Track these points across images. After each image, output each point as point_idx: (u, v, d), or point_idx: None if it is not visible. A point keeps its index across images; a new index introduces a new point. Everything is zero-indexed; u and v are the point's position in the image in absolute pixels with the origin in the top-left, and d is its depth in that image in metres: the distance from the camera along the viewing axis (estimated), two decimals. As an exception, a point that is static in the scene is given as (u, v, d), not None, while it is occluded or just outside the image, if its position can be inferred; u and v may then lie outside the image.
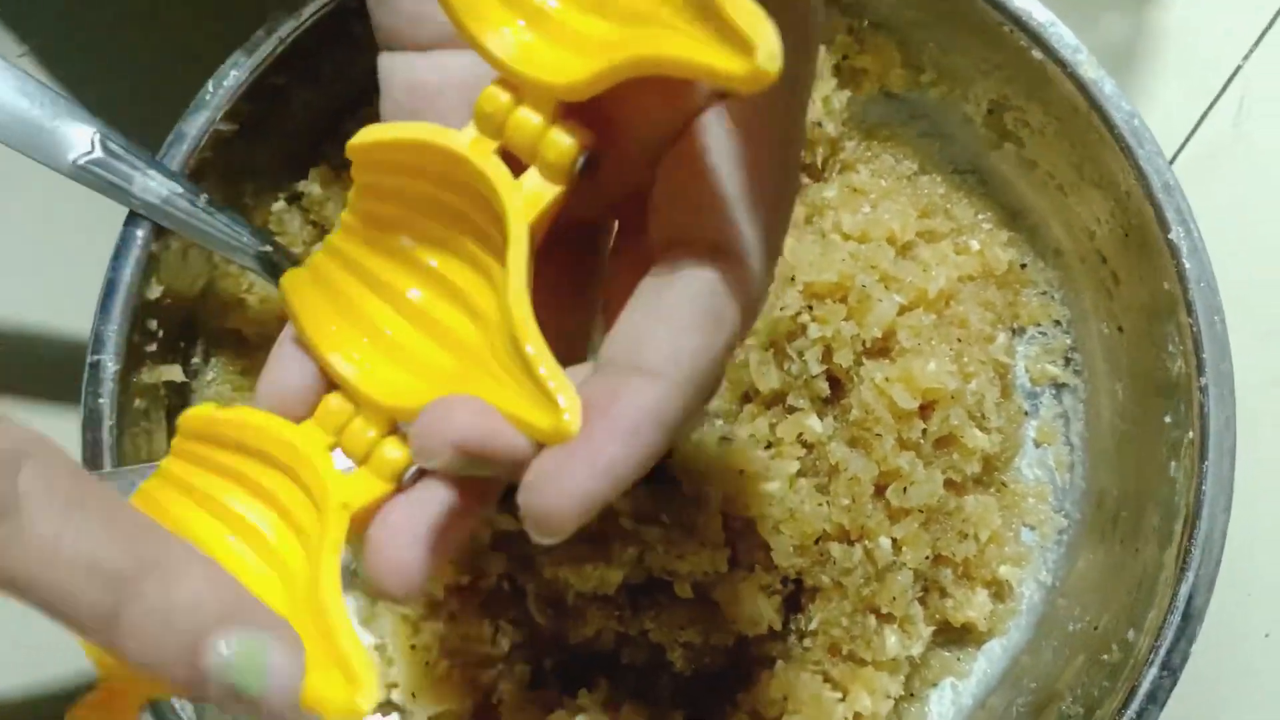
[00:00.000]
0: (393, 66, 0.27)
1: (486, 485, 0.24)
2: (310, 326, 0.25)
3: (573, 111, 0.23)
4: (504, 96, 0.23)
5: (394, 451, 0.24)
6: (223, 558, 0.23)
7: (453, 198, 0.23)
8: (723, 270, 0.22)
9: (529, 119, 0.22)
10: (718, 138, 0.22)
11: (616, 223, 0.27)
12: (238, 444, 0.24)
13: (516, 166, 0.23)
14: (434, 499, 0.23)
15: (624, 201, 0.25)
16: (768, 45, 0.19)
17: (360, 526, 0.23)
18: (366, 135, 0.24)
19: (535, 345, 0.21)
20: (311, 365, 0.25)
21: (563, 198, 0.23)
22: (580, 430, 0.20)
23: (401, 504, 0.23)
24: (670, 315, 0.22)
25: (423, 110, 0.26)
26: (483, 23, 0.22)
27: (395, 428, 0.25)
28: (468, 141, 0.23)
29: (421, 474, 0.24)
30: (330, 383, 0.25)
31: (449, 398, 0.22)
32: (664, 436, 0.21)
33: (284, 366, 0.25)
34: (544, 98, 0.22)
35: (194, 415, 0.25)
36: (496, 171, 0.22)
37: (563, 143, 0.22)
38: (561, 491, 0.20)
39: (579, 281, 0.26)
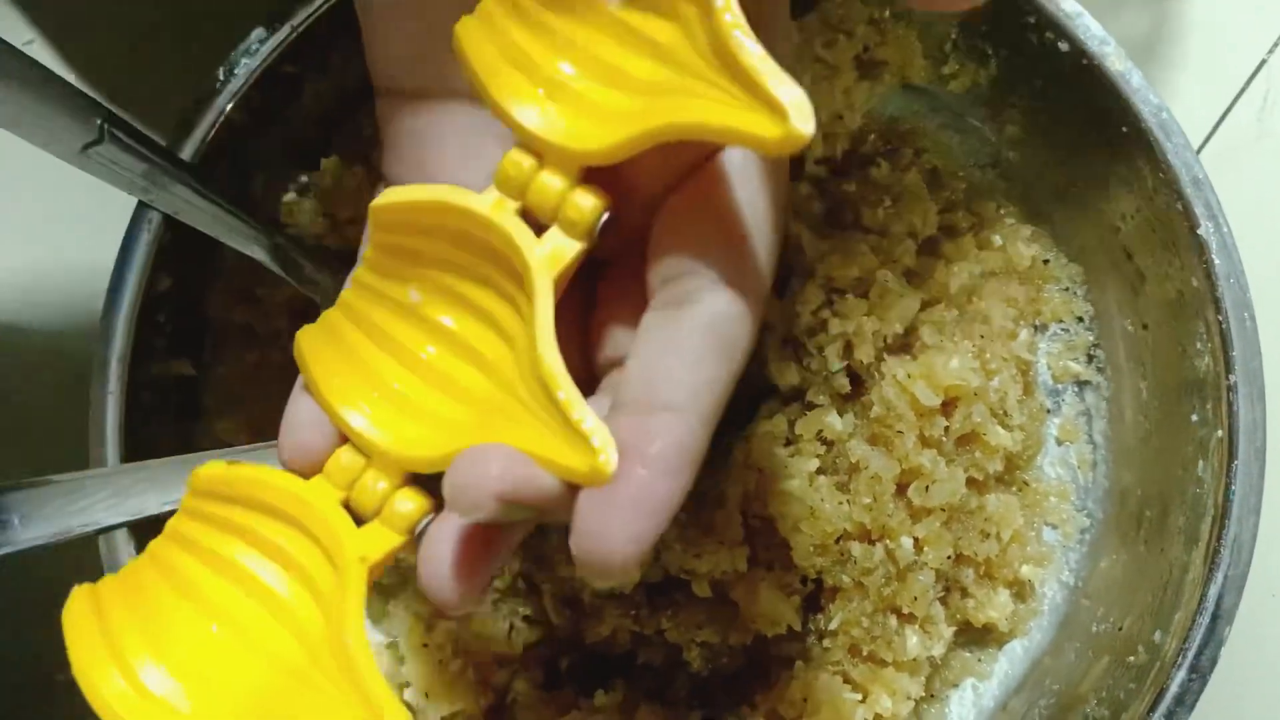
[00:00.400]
0: (392, 114, 0.28)
1: None
2: (321, 380, 0.26)
3: (591, 173, 0.24)
4: (526, 162, 0.24)
5: (406, 504, 0.25)
6: (235, 618, 0.24)
7: (469, 257, 0.24)
8: (727, 303, 0.23)
9: (552, 183, 0.23)
10: (719, 181, 0.24)
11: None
12: (248, 500, 0.25)
13: (534, 224, 0.24)
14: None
15: (616, 243, 0.26)
16: (800, 109, 0.19)
17: (374, 577, 0.24)
18: (389, 197, 0.25)
19: (567, 391, 0.22)
20: (324, 419, 0.26)
21: (584, 254, 0.24)
22: (617, 472, 0.21)
23: (452, 518, 0.24)
24: (684, 350, 0.23)
25: (427, 160, 0.27)
26: (507, 91, 0.23)
27: (407, 481, 0.25)
28: (490, 203, 0.24)
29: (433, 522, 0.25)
30: (341, 438, 0.25)
31: (481, 446, 0.22)
32: (694, 469, 0.22)
33: (300, 419, 0.26)
34: (567, 163, 0.23)
35: (204, 473, 0.25)
36: (520, 231, 0.23)
37: (585, 204, 0.23)
38: (617, 537, 0.21)
39: (570, 318, 0.27)
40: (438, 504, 0.24)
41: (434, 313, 0.25)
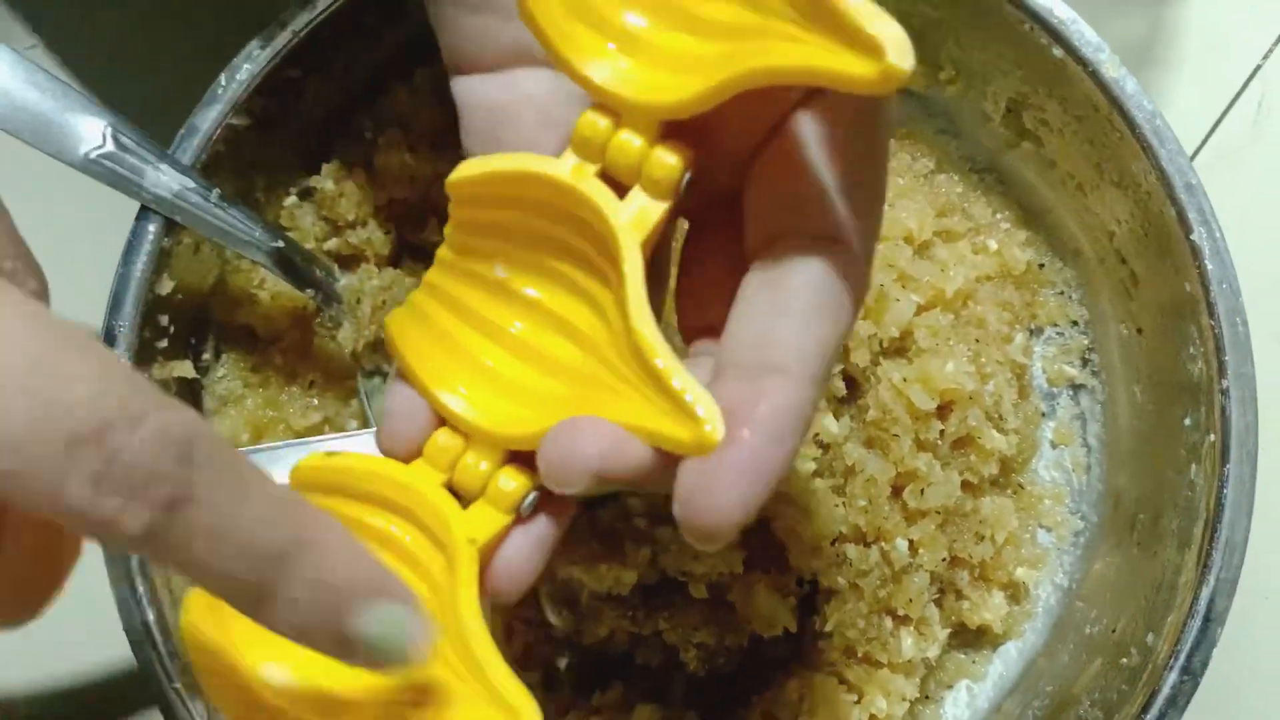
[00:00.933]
0: (467, 90, 0.27)
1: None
2: (416, 364, 0.25)
3: (672, 129, 0.22)
4: (603, 121, 0.23)
5: (509, 483, 0.24)
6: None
7: (552, 226, 0.23)
8: (832, 259, 0.22)
9: (631, 142, 0.22)
10: (813, 133, 0.23)
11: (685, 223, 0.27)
12: (351, 491, 0.24)
13: (616, 188, 0.23)
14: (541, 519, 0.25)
15: (701, 204, 0.25)
16: (897, 44, 0.18)
17: (484, 559, 0.24)
18: (464, 170, 0.24)
19: (665, 359, 0.21)
20: (423, 403, 0.25)
21: (670, 213, 0.23)
22: (725, 438, 0.20)
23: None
24: (792, 311, 0.22)
25: (503, 132, 0.26)
26: (577, 49, 0.22)
27: (507, 459, 0.24)
28: (568, 169, 0.23)
29: (541, 501, 0.24)
30: (440, 421, 0.25)
31: (572, 420, 0.22)
32: (805, 433, 0.21)
33: (398, 406, 0.26)
34: (646, 119, 0.22)
35: (304, 466, 0.25)
36: (601, 195, 0.22)
37: (668, 162, 0.22)
38: (724, 502, 0.20)
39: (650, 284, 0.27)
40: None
41: (521, 287, 0.24)
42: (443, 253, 0.25)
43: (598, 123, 0.23)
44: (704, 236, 0.26)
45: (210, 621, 0.22)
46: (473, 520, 0.24)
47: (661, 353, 0.21)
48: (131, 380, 0.17)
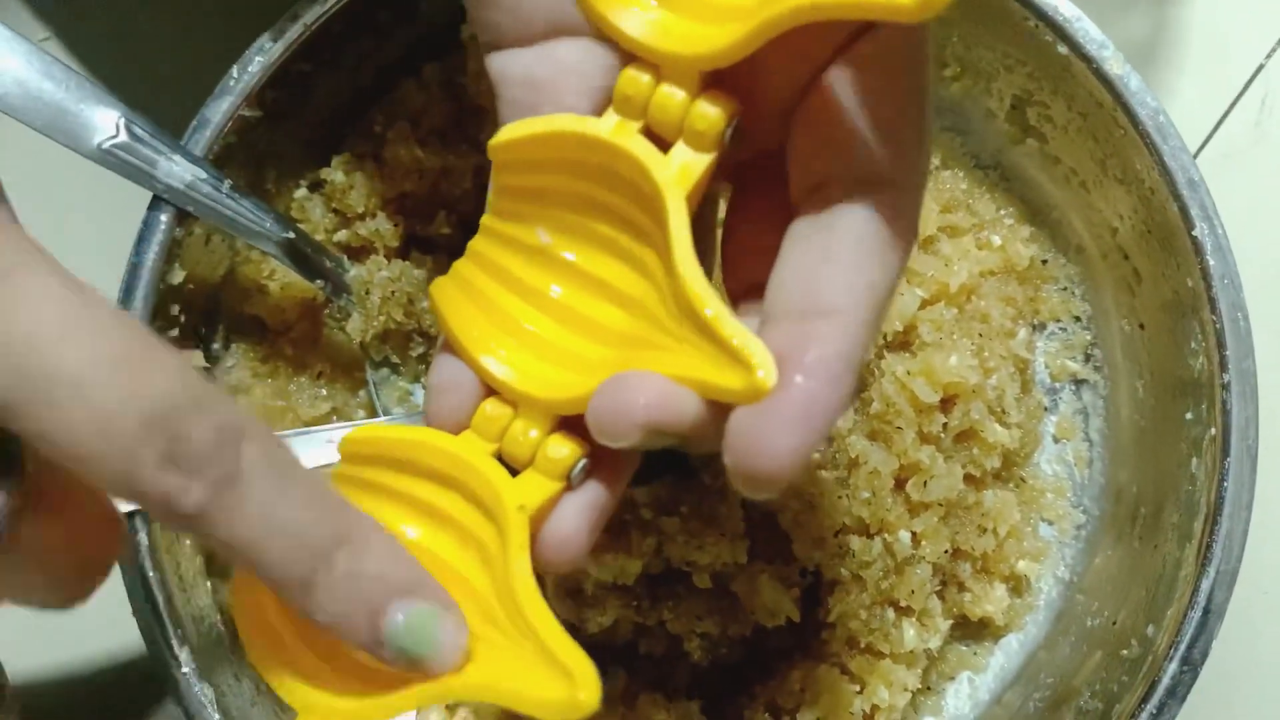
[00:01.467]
0: (505, 65, 0.26)
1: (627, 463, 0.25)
2: (461, 332, 0.25)
3: (713, 80, 0.22)
4: (644, 77, 0.22)
5: (559, 449, 0.24)
6: None
7: (594, 188, 0.23)
8: (879, 202, 0.22)
9: (673, 95, 0.22)
10: (854, 76, 0.22)
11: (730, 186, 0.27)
12: (398, 462, 0.24)
13: (660, 144, 0.23)
14: (592, 486, 0.25)
15: (744, 163, 0.25)
16: None
17: (535, 527, 0.23)
18: (507, 133, 0.24)
19: (715, 307, 0.21)
20: (469, 375, 0.25)
21: (714, 166, 0.22)
22: (777, 384, 0.20)
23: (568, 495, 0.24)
24: (840, 255, 0.21)
25: (542, 103, 0.25)
26: (614, 5, 0.22)
27: (556, 426, 0.24)
28: (610, 126, 0.23)
29: (591, 468, 0.24)
30: (486, 392, 0.25)
31: (622, 374, 0.22)
32: (857, 377, 0.21)
33: (444, 378, 0.26)
34: (686, 71, 0.22)
35: (354, 438, 0.25)
36: (645, 151, 0.22)
37: (710, 114, 0.22)
38: (777, 448, 0.20)
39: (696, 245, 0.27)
40: (590, 447, 0.24)
41: (563, 251, 0.24)
42: (486, 220, 0.25)
43: (639, 79, 0.23)
44: (748, 198, 0.26)
45: (258, 602, 0.23)
46: (523, 488, 0.23)
47: (710, 301, 0.21)
48: (198, 375, 0.19)
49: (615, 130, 0.23)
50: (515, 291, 0.25)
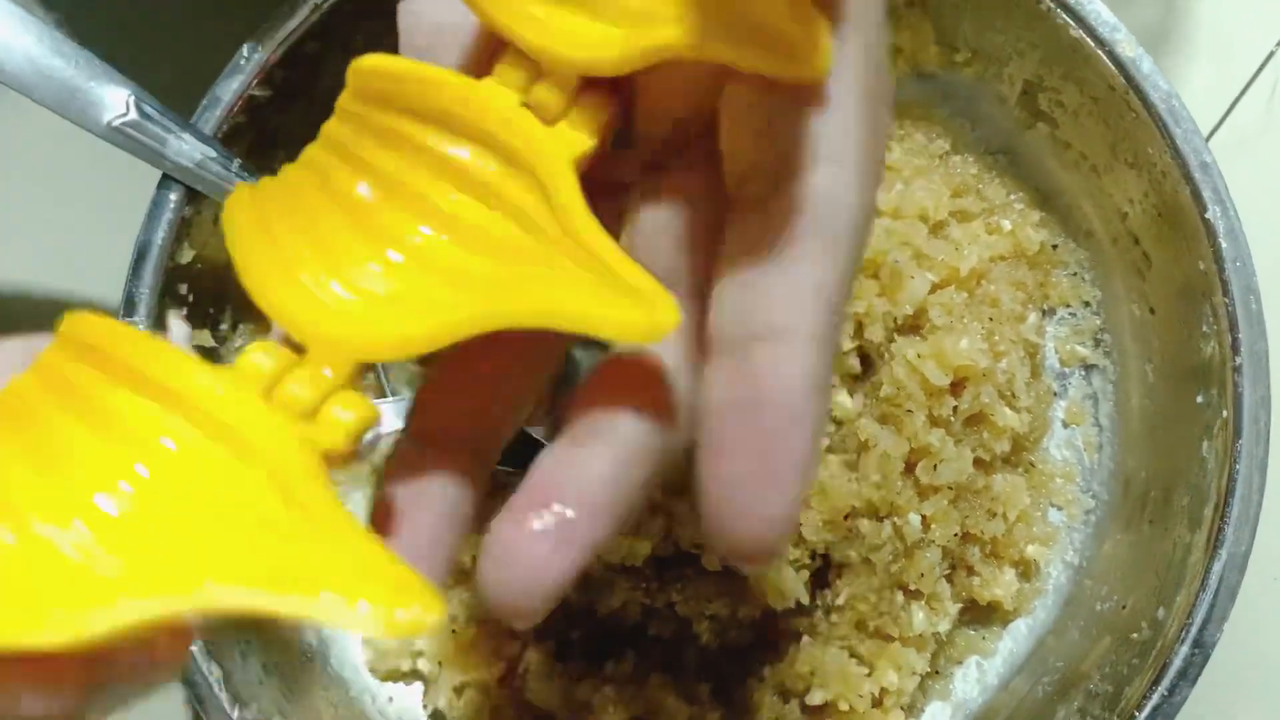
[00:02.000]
0: (411, 12, 0.24)
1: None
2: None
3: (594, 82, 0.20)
4: (521, 74, 0.20)
5: (593, 98, 0.21)
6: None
7: (448, 144, 0.21)
8: (829, 180, 0.18)
9: (550, 93, 0.20)
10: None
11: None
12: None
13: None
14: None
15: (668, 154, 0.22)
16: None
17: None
18: (380, 60, 0.21)
19: (606, 241, 0.19)
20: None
21: (597, 151, 0.20)
22: (733, 433, 0.18)
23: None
24: (778, 254, 0.18)
25: (443, 51, 0.23)
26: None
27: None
28: (491, 84, 0.21)
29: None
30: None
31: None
32: (825, 399, 0.18)
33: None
34: (566, 74, 0.20)
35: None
36: (521, 113, 0.20)
37: (593, 101, 0.20)
38: (757, 515, 0.18)
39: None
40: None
41: (384, 210, 0.21)
42: (311, 150, 0.22)
43: (518, 72, 0.20)
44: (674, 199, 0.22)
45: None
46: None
47: (602, 234, 0.19)
48: None
49: (495, 90, 0.21)
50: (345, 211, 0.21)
